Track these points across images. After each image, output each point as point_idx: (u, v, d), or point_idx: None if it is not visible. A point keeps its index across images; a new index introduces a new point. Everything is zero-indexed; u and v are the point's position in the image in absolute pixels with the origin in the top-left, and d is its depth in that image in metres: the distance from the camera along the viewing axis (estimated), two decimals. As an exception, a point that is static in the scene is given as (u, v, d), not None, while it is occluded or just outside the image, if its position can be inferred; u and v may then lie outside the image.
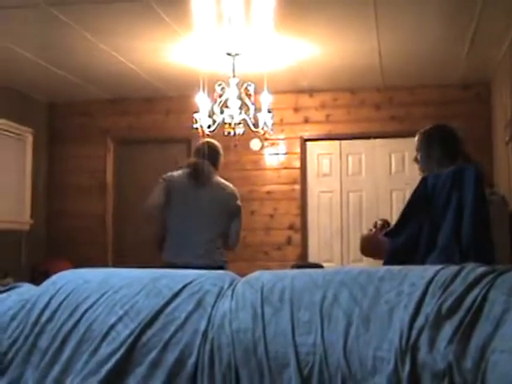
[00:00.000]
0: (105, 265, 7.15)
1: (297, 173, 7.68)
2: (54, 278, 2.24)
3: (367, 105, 7.60)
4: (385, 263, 3.35)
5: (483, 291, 1.67)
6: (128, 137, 8.05)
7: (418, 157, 3.82)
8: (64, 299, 2.08)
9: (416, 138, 3.89)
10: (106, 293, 2.07)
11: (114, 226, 7.95)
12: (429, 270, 1.85)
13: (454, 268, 1.81)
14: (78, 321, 2.01)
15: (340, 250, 7.55)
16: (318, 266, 5.73)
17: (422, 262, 3.16)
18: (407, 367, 1.62)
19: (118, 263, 7.27)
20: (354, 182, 7.63)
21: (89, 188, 7.98)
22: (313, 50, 6.15)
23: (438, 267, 1.84)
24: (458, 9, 5.13)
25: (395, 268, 1.94)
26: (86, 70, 6.81)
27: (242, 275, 2.12)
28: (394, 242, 3.42)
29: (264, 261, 7.44)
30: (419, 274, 1.83)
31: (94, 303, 2.05)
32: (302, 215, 7.62)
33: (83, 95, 7.80)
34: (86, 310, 2.03)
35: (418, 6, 5.06)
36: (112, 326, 1.97)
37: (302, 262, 7.01)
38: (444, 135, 3.84)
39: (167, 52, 6.20)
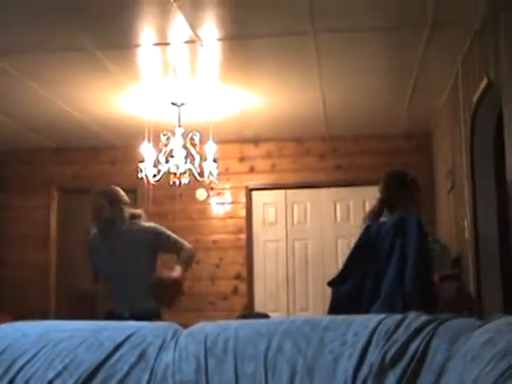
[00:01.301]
0: (46, 317, 6.98)
1: (242, 222, 7.69)
2: (-10, 331, 2.17)
3: (312, 154, 7.69)
4: (329, 312, 3.35)
5: (425, 340, 1.68)
6: (73, 186, 7.96)
7: (388, 196, 3.82)
8: (0, 354, 2.01)
9: (389, 178, 3.91)
10: (45, 346, 2.00)
11: (57, 278, 7.79)
12: (372, 319, 1.85)
13: (397, 317, 1.81)
14: (15, 377, 1.92)
15: (286, 299, 7.54)
16: (264, 315, 5.71)
17: (367, 311, 3.17)
18: (351, 418, 1.61)
19: (61, 316, 7.10)
20: (300, 230, 7.67)
21: (31, 238, 7.82)
22: (257, 100, 6.22)
23: (382, 316, 1.84)
24: (399, 60, 5.27)
25: (339, 317, 1.94)
26: (31, 119, 6.75)
27: (187, 326, 2.09)
28: (339, 290, 3.43)
29: (210, 311, 7.37)
30: (363, 323, 1.83)
31: (32, 358, 1.97)
32: (247, 264, 7.60)
33: (27, 144, 7.71)
34: (23, 365, 1.95)
35: (359, 58, 5.18)
36: (50, 382, 1.90)
37: (248, 312, 6.97)
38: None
39: (113, 102, 6.19)
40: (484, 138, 4.80)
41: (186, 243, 4.68)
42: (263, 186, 7.76)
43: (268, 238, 7.70)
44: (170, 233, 4.69)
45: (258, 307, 7.45)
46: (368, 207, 7.50)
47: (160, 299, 4.45)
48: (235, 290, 7.56)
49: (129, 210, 4.71)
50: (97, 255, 4.73)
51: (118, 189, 4.75)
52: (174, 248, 4.67)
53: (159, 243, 4.65)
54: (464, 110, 5.13)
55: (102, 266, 4.72)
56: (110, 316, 4.41)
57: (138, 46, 4.85)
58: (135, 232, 4.64)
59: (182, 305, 7.34)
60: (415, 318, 1.78)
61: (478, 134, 4.84)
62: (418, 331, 1.72)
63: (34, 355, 1.98)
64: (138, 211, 4.84)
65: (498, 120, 4.55)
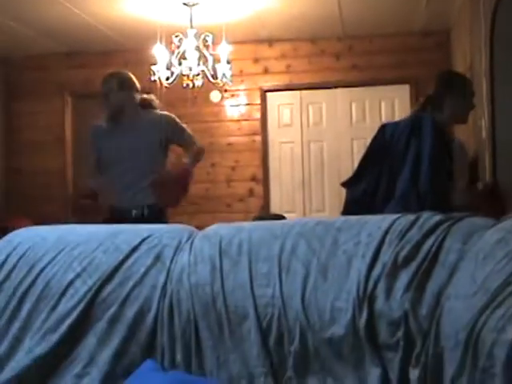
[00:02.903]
0: (65, 221, 7.09)
1: (257, 124, 7.65)
2: (9, 236, 2.21)
3: (327, 54, 7.55)
4: (344, 212, 3.37)
5: (439, 239, 1.69)
6: (85, 90, 7.90)
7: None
8: (20, 257, 2.05)
9: (439, 77, 3.84)
10: (64, 250, 2.05)
11: (74, 182, 7.85)
12: (386, 219, 1.85)
13: (410, 217, 1.82)
14: (36, 278, 1.99)
15: (302, 200, 7.58)
16: (280, 217, 5.75)
17: (381, 211, 3.18)
18: (364, 316, 1.63)
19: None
20: (315, 132, 7.63)
21: (47, 144, 7.85)
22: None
23: (395, 216, 1.85)
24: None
25: (352, 218, 1.95)
26: (41, 23, 6.65)
27: (205, 228, 2.11)
28: (353, 191, 3.43)
29: (227, 213, 7.44)
30: (376, 223, 1.84)
31: (52, 260, 2.02)
32: (263, 166, 7.61)
33: (39, 49, 7.62)
34: (44, 268, 2.01)
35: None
36: (70, 283, 1.96)
37: (264, 214, 7.03)
38: None
39: (123, 3, 6.07)
40: (504, 34, 4.68)
41: (197, 140, 4.45)
42: (278, 88, 7.67)
43: (283, 139, 7.67)
44: (184, 125, 4.42)
45: (274, 209, 7.52)
46: (384, 107, 7.45)
47: (161, 196, 4.19)
48: (251, 192, 7.60)
49: (140, 97, 4.38)
50: (102, 147, 4.40)
51: (130, 73, 4.40)
52: (186, 142, 4.41)
53: (172, 134, 4.36)
54: (484, 6, 4.99)
55: (108, 159, 4.39)
56: (111, 215, 4.21)
57: None
58: (147, 121, 4.33)
59: (199, 207, 7.44)
60: (429, 218, 1.79)
61: (498, 31, 4.72)
62: (431, 231, 1.73)
63: (53, 258, 2.04)
64: (151, 97, 4.49)
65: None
